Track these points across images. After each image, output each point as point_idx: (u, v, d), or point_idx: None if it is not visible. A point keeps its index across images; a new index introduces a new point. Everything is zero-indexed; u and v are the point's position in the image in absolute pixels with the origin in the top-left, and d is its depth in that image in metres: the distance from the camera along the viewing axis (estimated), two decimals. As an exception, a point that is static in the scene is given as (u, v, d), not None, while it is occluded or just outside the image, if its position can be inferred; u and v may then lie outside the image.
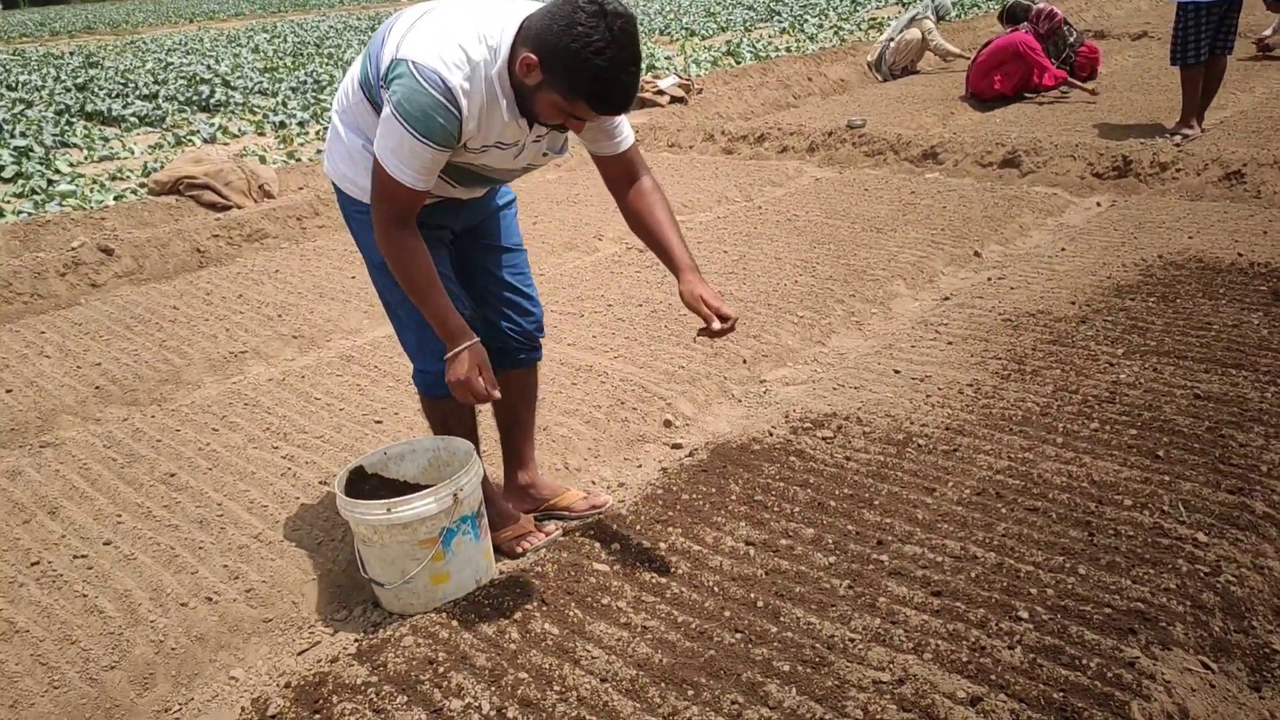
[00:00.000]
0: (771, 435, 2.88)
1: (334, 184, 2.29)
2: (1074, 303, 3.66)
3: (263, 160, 7.06)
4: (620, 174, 2.27)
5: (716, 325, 2.14)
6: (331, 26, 21.61)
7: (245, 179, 6.34)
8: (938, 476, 2.56)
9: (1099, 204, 5.06)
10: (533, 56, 1.87)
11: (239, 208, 6.11)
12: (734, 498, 2.55)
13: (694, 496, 2.57)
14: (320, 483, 2.81)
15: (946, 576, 2.14)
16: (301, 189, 6.45)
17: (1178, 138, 5.68)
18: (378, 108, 2.01)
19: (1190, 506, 2.32)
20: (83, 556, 2.51)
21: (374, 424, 3.16)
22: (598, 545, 2.39)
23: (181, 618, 2.26)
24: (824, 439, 2.83)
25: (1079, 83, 7.52)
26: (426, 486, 2.28)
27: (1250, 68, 7.99)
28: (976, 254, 4.40)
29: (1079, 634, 1.92)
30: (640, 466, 2.93)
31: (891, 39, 9.32)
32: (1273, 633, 1.99)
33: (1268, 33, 8.45)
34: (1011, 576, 2.12)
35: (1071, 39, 7.92)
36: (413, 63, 1.88)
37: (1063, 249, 4.31)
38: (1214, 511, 2.30)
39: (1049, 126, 6.55)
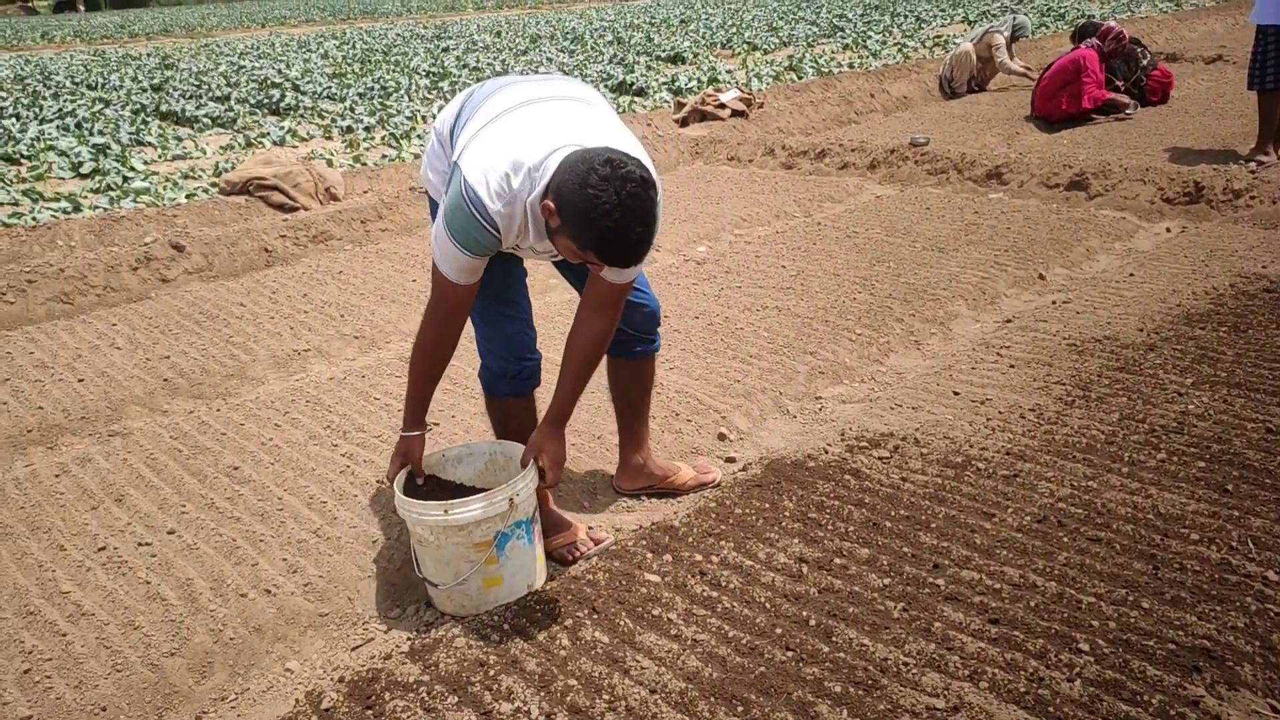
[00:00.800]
0: (827, 453, 2.86)
1: (428, 192, 2.42)
2: (1142, 329, 3.58)
3: (329, 164, 7.20)
4: (596, 295, 2.23)
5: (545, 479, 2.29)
6: (399, 35, 22.00)
7: (313, 181, 6.48)
8: (997, 502, 2.51)
9: (1169, 229, 4.95)
10: (550, 204, 1.97)
11: (305, 209, 6.24)
12: (787, 514, 2.53)
13: (747, 511, 2.56)
14: (377, 481, 2.85)
15: (1005, 604, 2.10)
16: (366, 192, 6.57)
17: (1252, 164, 5.53)
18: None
19: (1260, 543, 2.25)
20: (147, 544, 2.58)
21: (431, 425, 3.20)
22: (649, 556, 2.39)
23: (240, 608, 2.31)
24: (880, 459, 2.80)
25: (1118, 96, 7.39)
26: (483, 489, 2.30)
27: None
28: (1041, 277, 4.32)
29: (1141, 669, 1.88)
30: (693, 479, 2.92)
31: (953, 53, 9.24)
32: (1347, 679, 1.92)
33: None
34: (1072, 607, 2.08)
35: (1144, 61, 7.76)
36: (465, 180, 2.02)
37: (1131, 274, 4.22)
38: (1286, 550, 2.23)
39: (1118, 149, 6.42)
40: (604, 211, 1.88)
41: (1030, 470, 2.66)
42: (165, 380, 3.71)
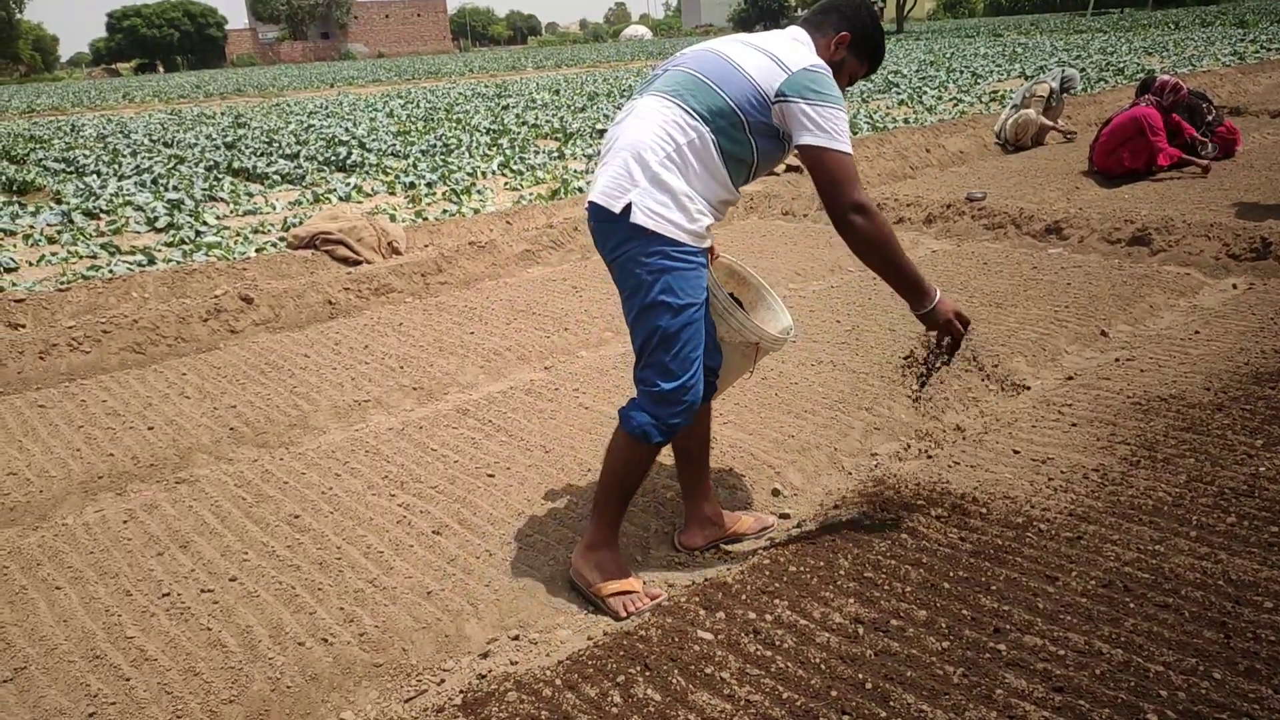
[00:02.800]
0: (882, 513, 2.82)
1: (643, 228, 2.29)
2: (1209, 388, 3.49)
3: (393, 218, 7.41)
4: (822, 184, 2.43)
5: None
6: (461, 93, 22.66)
7: (376, 236, 6.67)
8: (1060, 565, 2.45)
9: (1235, 286, 4.84)
10: (846, 34, 2.51)
11: (369, 263, 6.41)
12: (843, 573, 2.50)
13: (801, 569, 2.54)
14: (433, 532, 2.89)
15: (1069, 671, 2.04)
16: (427, 246, 6.74)
17: (1324, 219, 5.40)
18: (741, 135, 2.36)
19: (1341, 614, 2.16)
20: (209, 591, 2.64)
21: (486, 477, 3.24)
22: (703, 613, 2.38)
23: (298, 656, 2.34)
24: (938, 517, 2.75)
25: (1192, 158, 7.28)
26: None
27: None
28: (1103, 333, 4.25)
29: (1215, 744, 1.80)
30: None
31: (1015, 105, 9.22)
32: None
33: None
34: (1140, 676, 2.01)
35: (1210, 117, 7.66)
36: (811, 64, 2.35)
37: (1196, 332, 4.13)
38: (1369, 621, 2.13)
39: (1181, 204, 6.32)
40: (876, 23, 2.52)
41: (1094, 532, 2.59)
42: (231, 429, 3.82)
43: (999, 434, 3.31)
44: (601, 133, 12.48)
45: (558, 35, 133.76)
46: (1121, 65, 16.78)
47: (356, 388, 4.19)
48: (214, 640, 2.42)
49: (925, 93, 14.53)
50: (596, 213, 2.38)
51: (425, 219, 7.55)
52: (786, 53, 2.37)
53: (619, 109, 15.23)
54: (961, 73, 18.24)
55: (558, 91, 20.82)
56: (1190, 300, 4.68)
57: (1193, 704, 1.91)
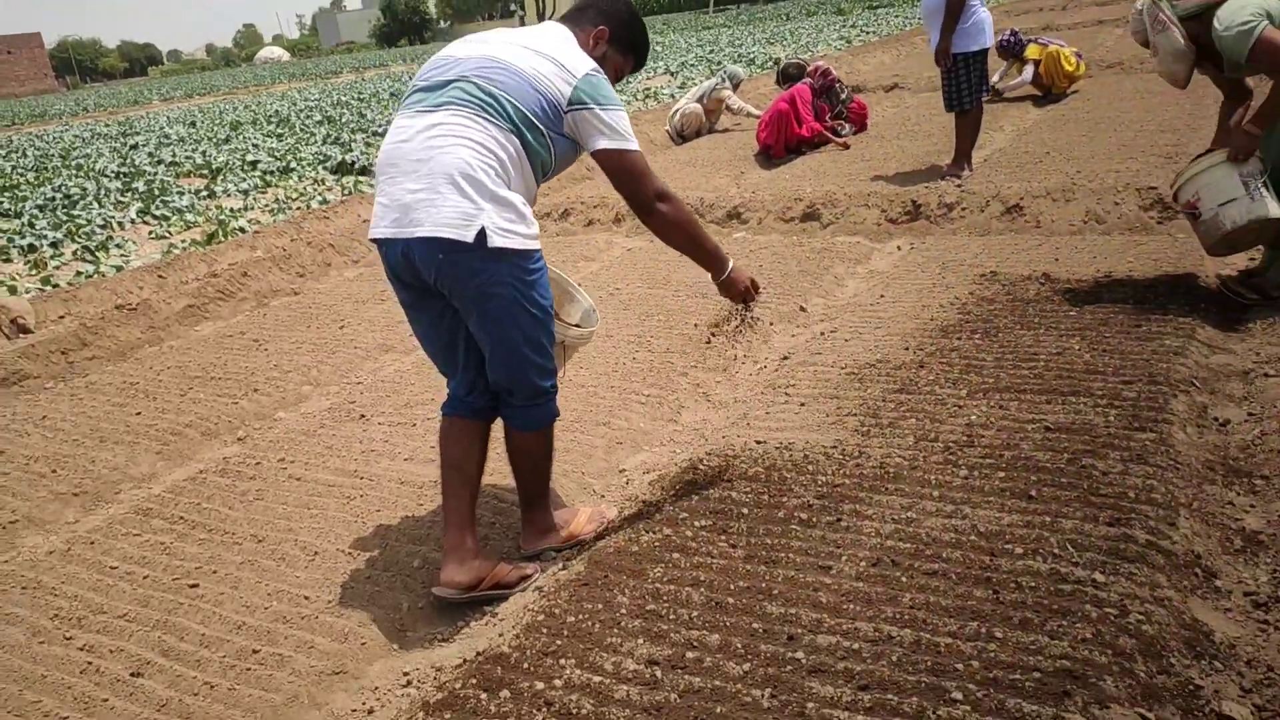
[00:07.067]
0: (648, 533, 2.68)
1: (502, 249, 2.30)
2: (907, 348, 3.72)
3: (13, 291, 6.25)
4: (618, 181, 2.53)
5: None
6: (77, 136, 20.00)
7: (-7, 314, 5.58)
8: (830, 552, 2.44)
9: (899, 248, 5.28)
10: (604, 29, 2.59)
11: (-12, 348, 5.34)
12: (624, 611, 2.32)
13: (580, 617, 2.32)
14: (131, 674, 2.35)
15: (868, 665, 2.00)
16: (64, 317, 5.73)
17: (956, 180, 6.05)
18: (543, 139, 2.39)
19: (1078, 545, 2.31)
20: None
21: (189, 589, 2.71)
22: (484, 696, 2.09)
23: None
24: (703, 528, 2.66)
25: (832, 136, 7.98)
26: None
27: (991, 109, 8.75)
28: (802, 309, 4.44)
29: (1018, 707, 1.82)
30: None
31: (679, 110, 9.67)
32: (1190, 668, 1.97)
33: (995, 79, 9.31)
34: (932, 653, 2.01)
35: (843, 96, 8.40)
36: (592, 69, 2.41)
37: (881, 296, 4.42)
38: (1101, 547, 2.30)
39: (836, 178, 6.83)
40: (635, 16, 2.61)
41: (850, 511, 2.61)
42: None
43: (739, 427, 3.30)
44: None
45: (183, 63, 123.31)
46: (752, 55, 18.19)
47: (-4, 507, 3.40)
48: None
49: (583, 94, 14.82)
50: (440, 246, 2.27)
51: (55, 285, 6.45)
52: (567, 57, 2.41)
53: (270, 137, 14.06)
54: (612, 73, 18.90)
55: (193, 124, 18.98)
56: (866, 266, 5.03)
57: (987, 670, 1.93)
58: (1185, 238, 4.48)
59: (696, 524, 2.68)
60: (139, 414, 4.12)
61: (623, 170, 2.42)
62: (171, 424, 3.96)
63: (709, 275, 2.71)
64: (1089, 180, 5.53)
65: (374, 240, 2.40)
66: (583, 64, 2.41)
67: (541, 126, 2.38)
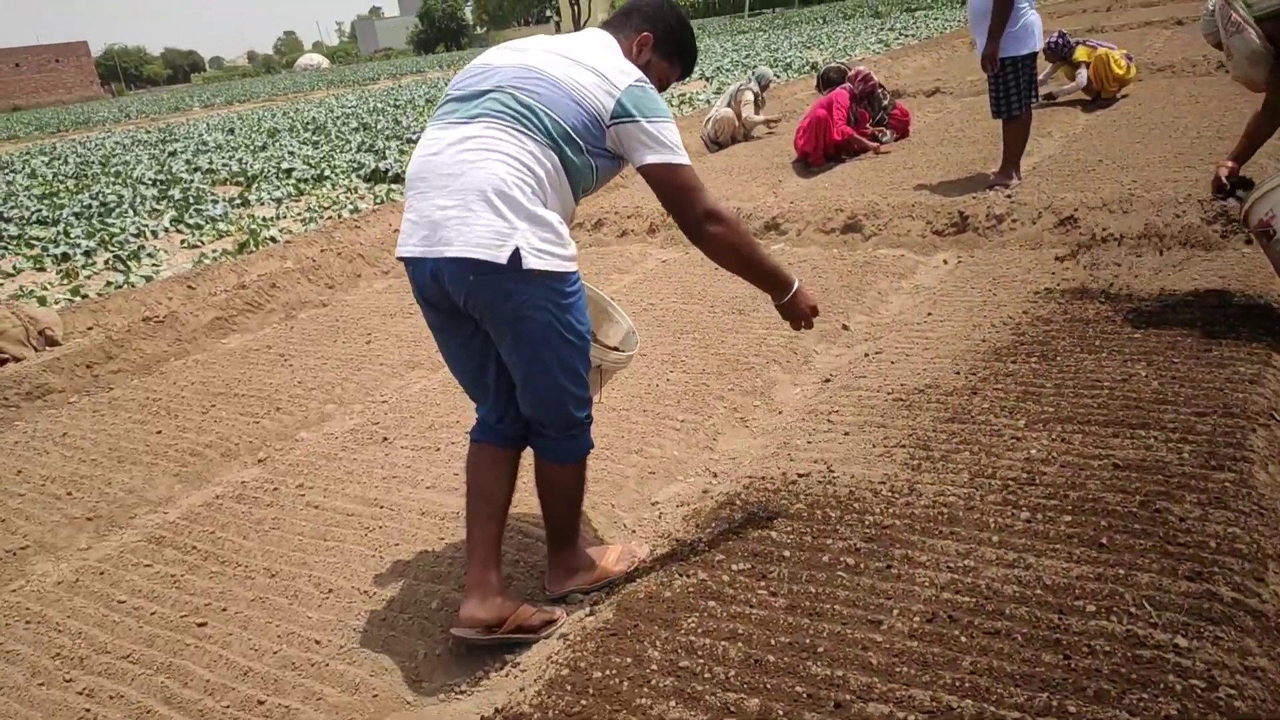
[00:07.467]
0: (681, 577, 2.49)
1: (538, 271, 2.14)
2: (959, 372, 3.50)
3: (42, 302, 6.21)
4: (667, 199, 2.39)
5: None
6: (118, 143, 20.23)
7: (22, 325, 5.51)
8: (880, 604, 2.24)
9: (945, 261, 5.05)
10: (648, 35, 2.43)
11: (16, 360, 5.28)
12: (655, 667, 2.14)
13: (608, 673, 2.15)
14: (131, 725, 2.21)
15: (926, 741, 1.80)
16: (91, 329, 5.68)
17: (1005, 190, 5.80)
18: (583, 156, 2.22)
19: (1156, 603, 2.09)
20: None
21: (196, 628, 2.57)
22: (502, 764, 1.92)
23: None
24: (741, 572, 2.47)
25: (864, 142, 7.73)
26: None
27: (1038, 114, 8.45)
28: (845, 327, 4.23)
29: (1098, 798, 1.62)
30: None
31: (712, 118, 9.50)
32: (1293, 752, 1.75)
33: (1040, 77, 9.01)
34: (998, 728, 1.81)
35: (885, 102, 8.17)
36: (636, 79, 2.25)
37: (929, 313, 4.20)
38: (1182, 606, 2.07)
39: (877, 187, 6.60)
40: (682, 21, 2.45)
41: (902, 556, 2.41)
42: None
43: (779, 457, 3.10)
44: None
45: (224, 70, 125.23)
46: (789, 60, 17.95)
47: (8, 531, 3.30)
48: None
49: (618, 100, 14.69)
50: (471, 267, 2.12)
51: (84, 296, 6.40)
52: (609, 67, 2.25)
53: (306, 144, 14.08)
54: (647, 78, 18.75)
55: (232, 131, 19.13)
56: (911, 281, 4.81)
57: (1061, 752, 1.72)
58: (1252, 253, 4.22)
59: (734, 567, 2.49)
60: (159, 432, 4.02)
61: (669, 184, 2.25)
62: (191, 444, 3.84)
63: (768, 296, 2.50)
64: (1146, 190, 5.26)
65: (401, 259, 2.26)
66: (626, 75, 2.24)
67: (581, 142, 2.21)
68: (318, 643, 2.44)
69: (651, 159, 2.22)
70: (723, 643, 2.18)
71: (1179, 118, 7.28)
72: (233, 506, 3.27)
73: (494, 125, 2.17)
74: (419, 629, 2.46)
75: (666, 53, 2.43)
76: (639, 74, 2.27)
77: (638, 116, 2.20)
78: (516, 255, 2.11)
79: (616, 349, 2.71)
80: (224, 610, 2.64)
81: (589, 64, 2.23)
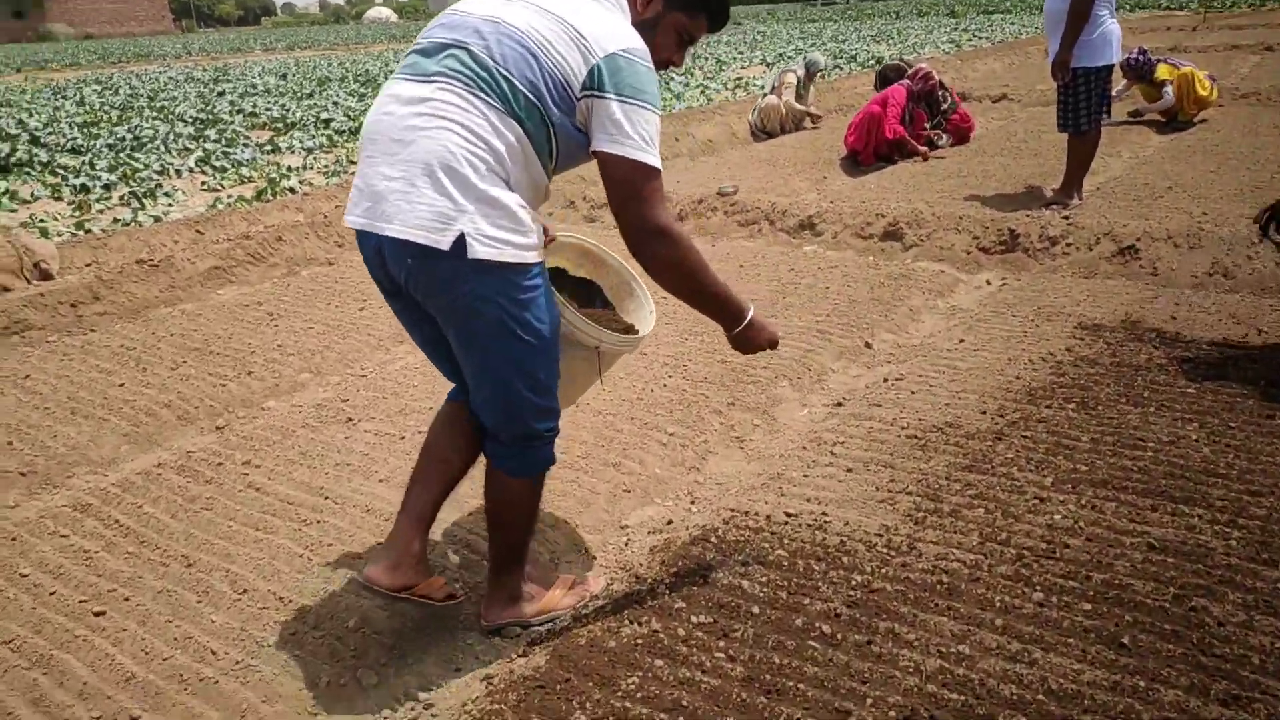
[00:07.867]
0: (631, 624, 2.17)
1: (487, 262, 1.82)
2: (984, 412, 3.13)
3: (44, 233, 6.03)
4: (614, 197, 1.95)
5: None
6: (171, 78, 20.22)
7: (17, 255, 5.32)
8: (852, 689, 1.90)
9: (988, 281, 4.64)
10: None
11: (5, 289, 5.09)
12: (580, 738, 1.83)
13: (523, 738, 1.84)
14: (-15, 731, 1.94)
15: None
16: (89, 265, 5.47)
17: (1061, 209, 5.36)
18: (543, 130, 1.87)
19: (1183, 731, 1.74)
20: None
21: (92, 617, 2.31)
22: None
23: None
24: (700, 626, 2.14)
25: (915, 145, 7.30)
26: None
27: (1108, 132, 7.94)
28: (867, 345, 3.86)
29: None
30: (458, 670, 2.17)
31: (766, 93, 9.09)
32: None
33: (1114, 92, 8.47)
34: None
35: (945, 104, 7.72)
36: (624, 48, 1.86)
37: (961, 340, 3.81)
38: (1214, 739, 1.72)
39: (926, 193, 6.19)
40: None
41: (887, 631, 2.07)
42: None
43: (769, 490, 2.76)
44: (327, 123, 11.23)
45: (295, 16, 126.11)
46: (854, 53, 17.39)
47: (-66, 481, 3.06)
48: None
49: (672, 79, 14.30)
50: (410, 250, 1.83)
51: (88, 231, 6.21)
52: (592, 25, 1.87)
53: (352, 96, 13.87)
54: (706, 59, 18.29)
55: (285, 76, 19.00)
56: (948, 300, 4.41)
57: None
58: (1333, 307, 3.78)
59: (693, 619, 2.16)
60: (122, 385, 3.77)
61: (623, 185, 1.87)
62: (150, 401, 3.59)
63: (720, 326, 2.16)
64: (1218, 225, 4.81)
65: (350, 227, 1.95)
66: (613, 38, 1.85)
67: (543, 112, 1.85)
68: (214, 653, 2.16)
69: (610, 148, 1.84)
70: (661, 715, 1.86)
71: (1259, 149, 6.75)
72: (171, 479, 3.01)
73: (450, 88, 1.83)
74: (328, 651, 2.17)
75: (685, 1, 2.04)
76: (632, 44, 1.88)
77: (610, 92, 1.83)
78: (461, 241, 1.79)
79: (630, 328, 2.38)
80: (127, 600, 2.37)
81: (567, 18, 1.87)
